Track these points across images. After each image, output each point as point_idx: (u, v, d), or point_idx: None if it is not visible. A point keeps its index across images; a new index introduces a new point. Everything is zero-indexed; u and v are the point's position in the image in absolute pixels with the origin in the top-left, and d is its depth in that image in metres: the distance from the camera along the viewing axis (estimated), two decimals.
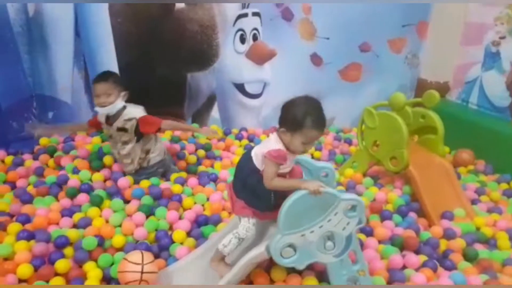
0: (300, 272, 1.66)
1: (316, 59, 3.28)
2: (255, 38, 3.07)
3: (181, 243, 1.90)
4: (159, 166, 2.37)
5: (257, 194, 1.53)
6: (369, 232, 2.03)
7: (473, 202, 2.45)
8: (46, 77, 2.70)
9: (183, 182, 2.35)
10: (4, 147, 2.56)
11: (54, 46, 2.67)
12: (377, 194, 2.34)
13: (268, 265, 1.70)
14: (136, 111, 2.25)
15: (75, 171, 2.34)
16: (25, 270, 1.62)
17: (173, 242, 1.90)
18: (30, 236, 1.77)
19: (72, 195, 2.11)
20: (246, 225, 1.57)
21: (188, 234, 1.96)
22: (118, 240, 1.83)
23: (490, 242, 2.12)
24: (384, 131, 2.42)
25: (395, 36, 3.37)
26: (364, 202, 2.13)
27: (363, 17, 3.17)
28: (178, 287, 1.69)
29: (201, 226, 2.01)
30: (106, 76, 2.20)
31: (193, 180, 2.38)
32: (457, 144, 3.06)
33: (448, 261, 1.89)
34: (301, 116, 1.43)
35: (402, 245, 1.96)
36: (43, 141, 2.65)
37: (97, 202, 2.06)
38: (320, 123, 1.46)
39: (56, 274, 1.66)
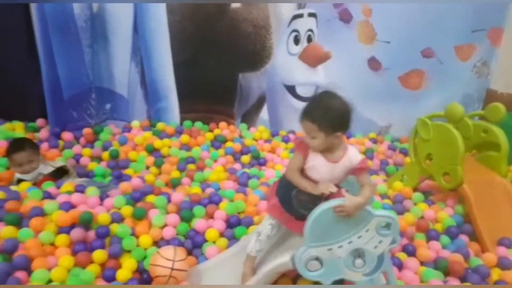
0: None
1: (374, 64, 3.13)
2: (309, 39, 2.99)
3: (214, 242, 1.89)
4: None
5: (285, 193, 1.50)
6: (411, 252, 1.89)
7: None
8: (105, 71, 2.82)
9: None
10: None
11: (114, 41, 2.78)
12: (425, 212, 2.18)
13: (296, 276, 1.64)
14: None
15: None
16: (66, 261, 1.68)
17: (205, 240, 1.90)
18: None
19: None
20: (265, 222, 1.58)
21: (221, 234, 1.94)
22: (145, 240, 1.83)
23: None
24: (438, 144, 2.25)
25: (463, 42, 3.11)
26: (408, 219, 2.05)
27: (427, 20, 2.96)
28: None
29: (232, 227, 1.98)
30: (20, 146, 2.20)
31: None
32: None
33: None
34: None
35: (446, 270, 1.81)
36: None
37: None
38: (304, 112, 1.39)
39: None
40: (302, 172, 1.46)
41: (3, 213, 1.83)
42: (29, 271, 1.62)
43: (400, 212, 2.17)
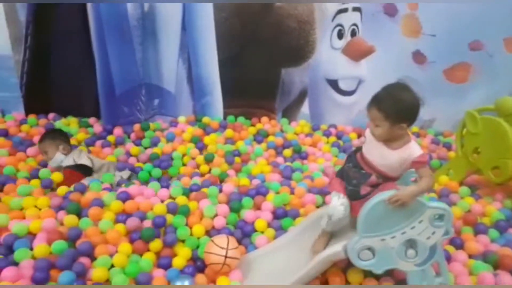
0: (377, 277, 1.62)
1: (418, 57, 3.09)
2: (353, 33, 2.99)
3: (262, 232, 1.95)
4: None
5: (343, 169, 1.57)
6: (459, 245, 1.89)
7: None
8: (154, 67, 2.93)
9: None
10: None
11: (163, 39, 2.88)
12: (472, 205, 2.16)
13: (346, 265, 1.68)
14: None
15: None
16: (126, 248, 1.76)
17: (254, 230, 1.97)
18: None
19: None
20: (336, 202, 1.57)
21: (269, 224, 2.00)
22: (198, 230, 1.90)
23: None
24: (487, 138, 2.22)
25: None
26: (455, 212, 2.05)
27: (475, 12, 2.90)
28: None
29: (279, 218, 2.03)
30: (43, 136, 2.45)
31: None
32: None
33: None
34: None
35: (496, 263, 1.80)
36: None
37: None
38: (372, 100, 1.44)
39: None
40: (362, 154, 1.52)
41: (67, 203, 1.96)
42: (92, 257, 1.71)
43: None
